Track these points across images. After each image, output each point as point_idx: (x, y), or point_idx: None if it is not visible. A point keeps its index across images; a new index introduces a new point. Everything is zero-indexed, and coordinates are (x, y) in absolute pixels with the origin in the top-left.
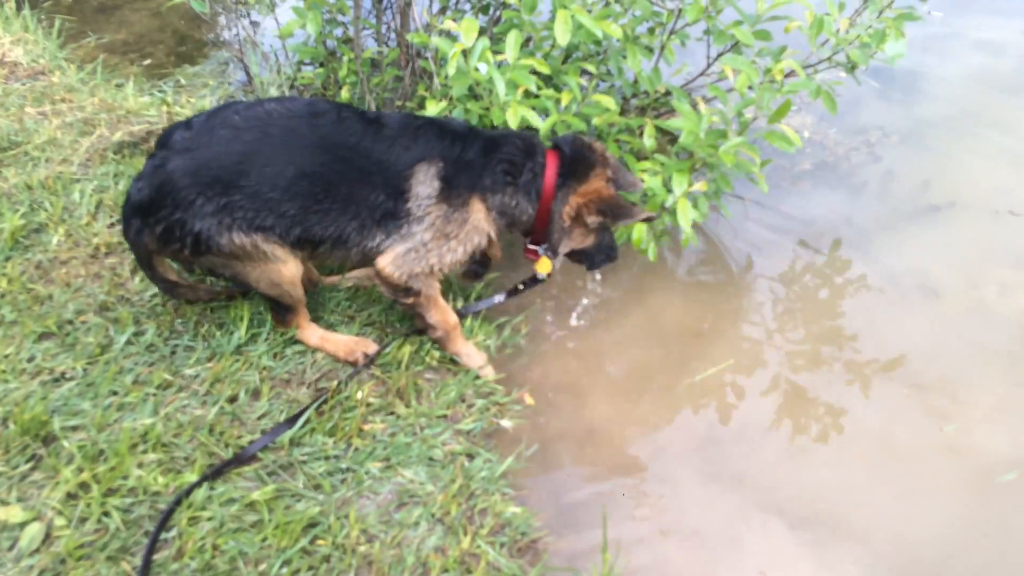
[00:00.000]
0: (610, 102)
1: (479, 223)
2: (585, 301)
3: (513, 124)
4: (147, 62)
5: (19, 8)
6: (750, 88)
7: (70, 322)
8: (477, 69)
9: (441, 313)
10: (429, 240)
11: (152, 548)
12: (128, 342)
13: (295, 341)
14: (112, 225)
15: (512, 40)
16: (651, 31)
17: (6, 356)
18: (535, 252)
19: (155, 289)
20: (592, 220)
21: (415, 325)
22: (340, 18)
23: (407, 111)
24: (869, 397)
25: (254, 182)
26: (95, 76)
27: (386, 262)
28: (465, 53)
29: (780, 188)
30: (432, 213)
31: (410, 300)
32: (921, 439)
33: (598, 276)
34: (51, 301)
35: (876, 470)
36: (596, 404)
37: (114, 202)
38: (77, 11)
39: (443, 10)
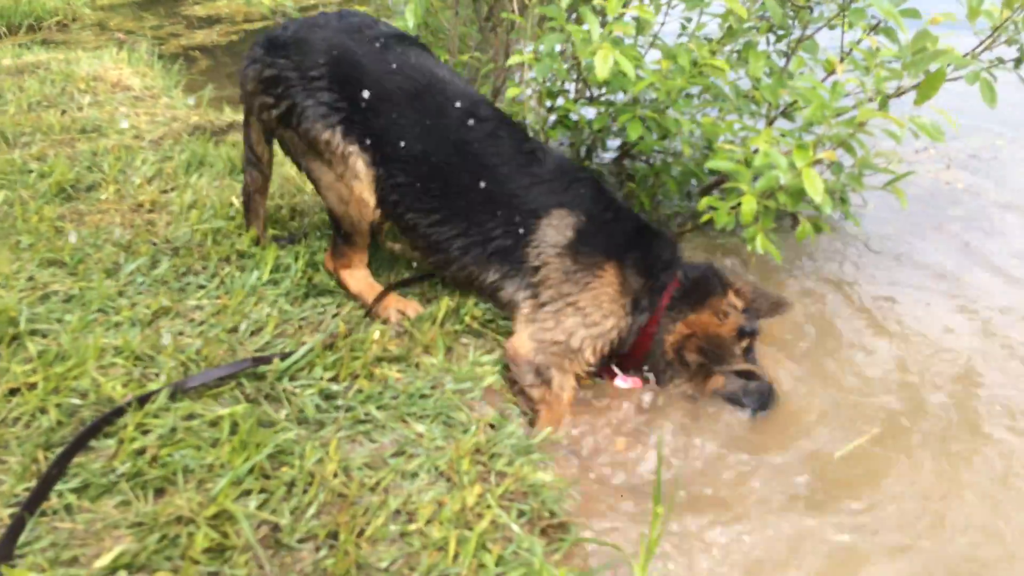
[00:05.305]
0: None
1: (611, 300)
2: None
3: (602, 71)
4: None
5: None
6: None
7: (85, 253)
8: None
9: (556, 422)
10: (547, 301)
11: (77, 444)
12: (138, 270)
13: (320, 292)
14: (166, 191)
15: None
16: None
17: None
18: (613, 373)
19: (183, 238)
20: (692, 358)
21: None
22: None
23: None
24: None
25: (382, 122)
26: (201, 105)
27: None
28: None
29: (918, 235)
30: (550, 264)
31: (534, 391)
32: None
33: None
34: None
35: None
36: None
37: (174, 171)
38: (211, 73)
39: None
